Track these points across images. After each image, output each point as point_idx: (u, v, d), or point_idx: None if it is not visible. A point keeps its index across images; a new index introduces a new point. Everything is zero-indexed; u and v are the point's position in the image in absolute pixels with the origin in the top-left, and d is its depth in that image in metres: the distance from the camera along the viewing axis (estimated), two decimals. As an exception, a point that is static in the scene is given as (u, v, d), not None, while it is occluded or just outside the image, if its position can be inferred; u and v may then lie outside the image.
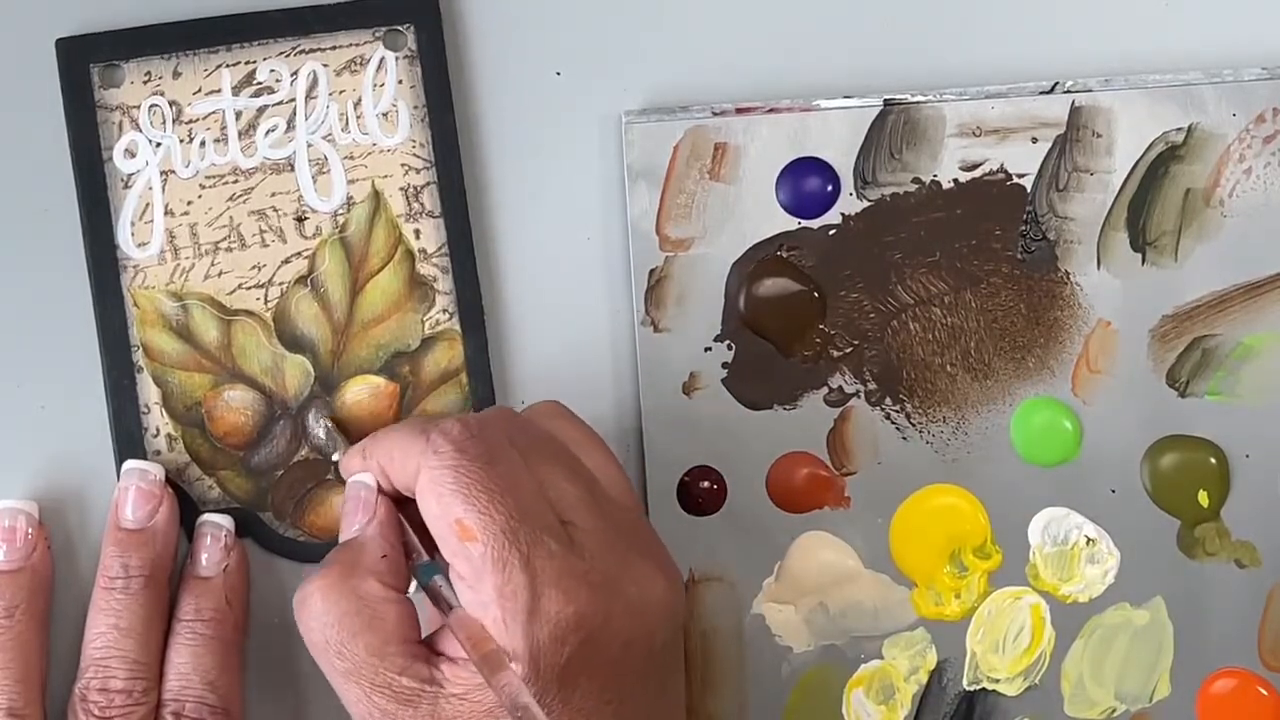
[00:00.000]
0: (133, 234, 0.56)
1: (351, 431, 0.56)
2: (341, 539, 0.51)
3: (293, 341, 0.57)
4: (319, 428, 0.56)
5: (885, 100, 0.57)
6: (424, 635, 0.50)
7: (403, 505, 0.51)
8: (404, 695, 0.48)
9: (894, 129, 0.57)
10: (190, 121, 0.56)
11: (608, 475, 0.51)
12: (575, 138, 0.58)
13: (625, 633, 0.48)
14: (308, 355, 0.57)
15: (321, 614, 0.49)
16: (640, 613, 0.48)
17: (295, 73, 0.56)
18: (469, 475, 0.48)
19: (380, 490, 0.52)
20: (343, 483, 0.53)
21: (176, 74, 0.56)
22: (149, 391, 0.56)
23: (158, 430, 0.56)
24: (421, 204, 0.57)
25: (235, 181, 0.56)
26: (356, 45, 0.56)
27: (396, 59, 0.57)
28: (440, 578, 0.50)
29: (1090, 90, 0.57)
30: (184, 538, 0.56)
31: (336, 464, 0.55)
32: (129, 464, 0.55)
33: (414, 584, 0.51)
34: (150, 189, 0.56)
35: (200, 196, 0.56)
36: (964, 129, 0.57)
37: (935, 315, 0.57)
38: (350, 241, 0.57)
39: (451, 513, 0.48)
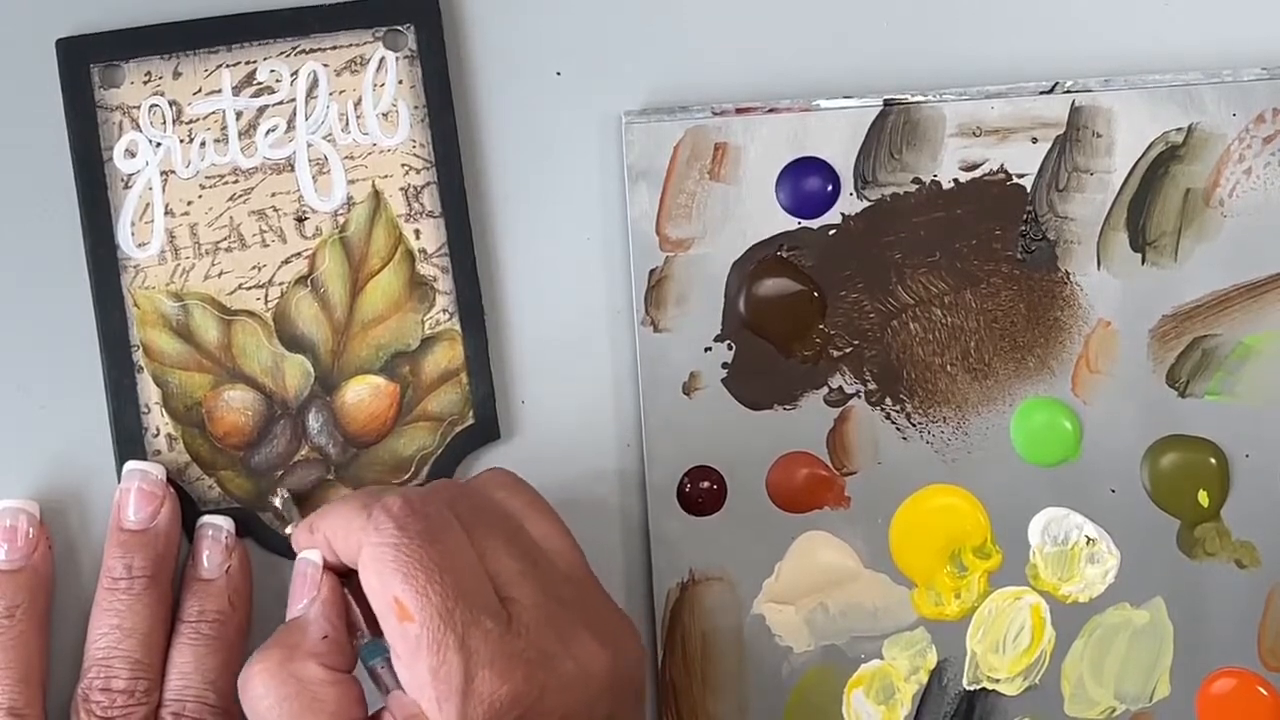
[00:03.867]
0: (133, 234, 0.56)
1: (349, 433, 0.56)
2: (288, 616, 0.52)
3: (293, 341, 0.57)
4: (276, 499, 0.56)
5: (885, 100, 0.57)
6: (374, 710, 0.50)
7: (353, 578, 0.51)
8: None
9: (894, 129, 0.57)
10: (190, 121, 0.56)
11: (554, 544, 0.51)
12: (575, 138, 0.58)
13: (562, 708, 0.48)
14: (308, 355, 0.57)
15: (261, 697, 0.49)
16: (578, 687, 0.48)
17: (295, 73, 0.56)
18: (408, 553, 0.48)
19: (328, 566, 0.52)
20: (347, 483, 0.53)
21: (176, 74, 0.56)
22: (149, 391, 0.56)
23: (158, 430, 0.56)
24: (421, 204, 0.57)
25: (235, 181, 0.56)
26: (356, 45, 0.56)
27: (396, 59, 0.57)
28: (382, 657, 0.50)
29: (1090, 90, 0.57)
30: (184, 538, 0.56)
31: (289, 537, 0.54)
32: (130, 465, 0.55)
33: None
34: (150, 189, 0.56)
35: (200, 196, 0.56)
36: (964, 129, 0.57)
37: (935, 315, 0.57)
38: (350, 241, 0.57)
39: (390, 591, 0.48)
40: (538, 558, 0.50)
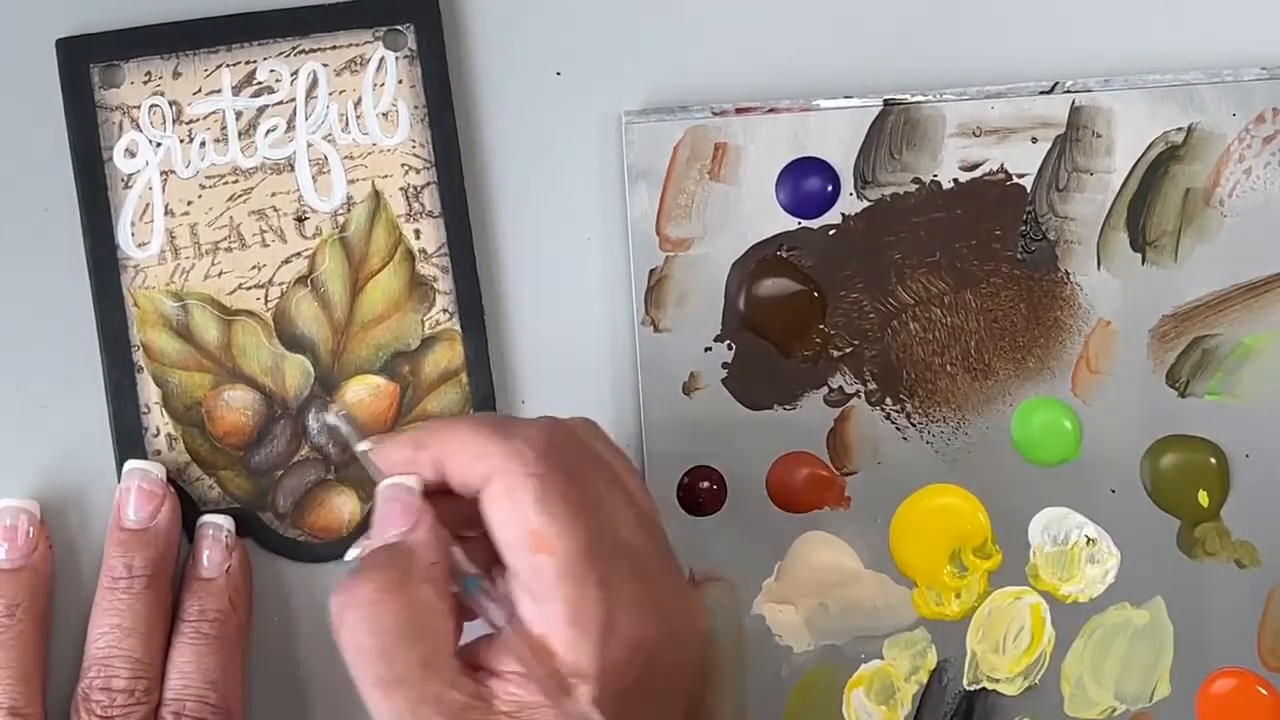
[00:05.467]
0: (133, 234, 0.56)
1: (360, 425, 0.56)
2: (376, 542, 0.48)
3: (293, 341, 0.57)
4: (337, 419, 0.54)
5: (885, 100, 0.57)
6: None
7: (439, 502, 0.48)
8: (451, 710, 0.46)
9: (894, 129, 0.57)
10: (190, 121, 0.56)
11: (643, 501, 0.50)
12: (575, 138, 0.58)
13: (673, 661, 0.48)
14: (308, 355, 0.57)
15: (372, 619, 0.46)
16: (684, 639, 0.48)
17: (295, 73, 0.56)
18: (553, 487, 0.46)
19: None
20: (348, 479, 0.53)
21: (176, 74, 0.56)
22: (149, 391, 0.56)
23: (158, 430, 0.56)
24: (421, 204, 0.57)
25: (235, 181, 0.56)
26: (356, 45, 0.56)
27: (396, 59, 0.57)
28: (479, 589, 0.47)
29: (1090, 90, 0.57)
30: (184, 538, 0.56)
31: (358, 454, 0.49)
32: (131, 464, 0.55)
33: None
34: (150, 189, 0.56)
35: (200, 196, 0.56)
36: (964, 129, 0.57)
37: (935, 315, 0.57)
38: (350, 241, 0.57)
39: (528, 522, 0.46)
40: (640, 512, 0.49)
